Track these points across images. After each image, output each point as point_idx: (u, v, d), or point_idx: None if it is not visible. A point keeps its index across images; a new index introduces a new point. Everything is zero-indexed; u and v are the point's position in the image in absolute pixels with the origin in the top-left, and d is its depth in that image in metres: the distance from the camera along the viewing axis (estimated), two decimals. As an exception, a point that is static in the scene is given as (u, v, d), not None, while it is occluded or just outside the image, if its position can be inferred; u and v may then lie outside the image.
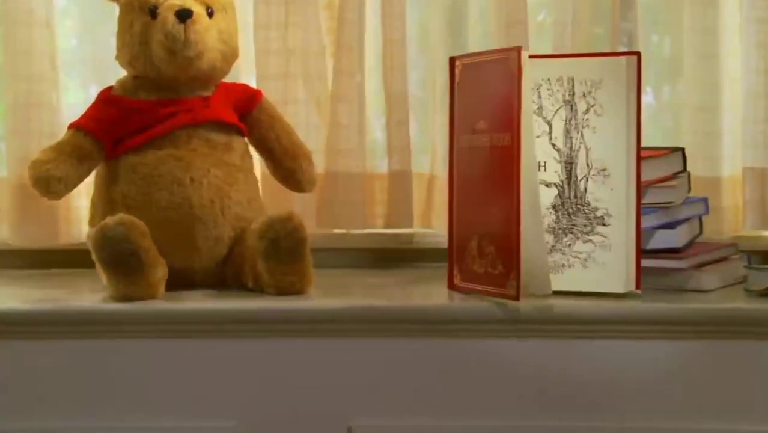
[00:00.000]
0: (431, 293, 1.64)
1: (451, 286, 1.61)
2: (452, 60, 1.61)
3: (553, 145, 1.56)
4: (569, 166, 1.56)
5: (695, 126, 1.88)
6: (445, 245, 1.63)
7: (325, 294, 1.58)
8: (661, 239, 1.61)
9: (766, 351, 1.49)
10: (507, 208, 1.48)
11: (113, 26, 1.68)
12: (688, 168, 1.70)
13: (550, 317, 1.48)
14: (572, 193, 1.55)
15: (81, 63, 1.89)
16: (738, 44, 1.87)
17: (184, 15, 1.60)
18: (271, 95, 1.77)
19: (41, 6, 1.81)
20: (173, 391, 1.49)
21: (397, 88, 1.88)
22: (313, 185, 1.75)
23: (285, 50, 1.86)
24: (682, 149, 1.70)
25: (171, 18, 1.60)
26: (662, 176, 1.64)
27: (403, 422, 1.50)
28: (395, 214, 1.89)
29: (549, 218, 1.57)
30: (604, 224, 1.54)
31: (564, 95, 1.56)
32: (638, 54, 1.53)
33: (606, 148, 1.54)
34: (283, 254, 1.55)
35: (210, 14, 1.64)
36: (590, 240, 1.55)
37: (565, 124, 1.56)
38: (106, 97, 1.67)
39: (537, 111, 1.56)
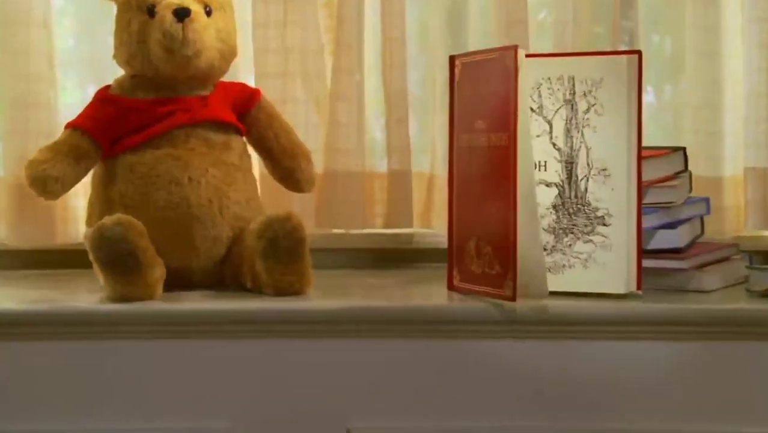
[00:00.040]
0: (431, 294, 1.64)
1: (451, 286, 1.61)
2: (452, 59, 1.61)
3: (554, 144, 1.56)
4: (570, 165, 1.55)
5: (697, 125, 1.87)
6: (445, 245, 1.63)
7: (323, 294, 1.58)
8: (662, 239, 1.60)
9: (767, 352, 1.48)
10: (504, 208, 1.47)
11: (111, 25, 1.68)
12: (690, 168, 1.70)
13: (547, 318, 1.48)
14: (573, 193, 1.55)
15: (79, 62, 1.89)
16: (740, 44, 1.87)
17: (182, 13, 1.59)
18: (269, 94, 1.76)
19: (39, 5, 1.81)
20: (171, 392, 1.49)
21: (396, 86, 1.88)
22: (312, 185, 1.75)
23: (284, 49, 1.85)
24: (684, 149, 1.70)
25: (169, 16, 1.59)
26: (663, 176, 1.63)
27: (402, 423, 1.50)
28: (395, 214, 1.89)
29: (549, 218, 1.56)
30: (604, 224, 1.54)
31: (564, 94, 1.55)
32: (639, 53, 1.53)
33: (607, 147, 1.53)
34: (282, 254, 1.54)
35: (208, 13, 1.63)
36: (591, 240, 1.54)
37: (566, 123, 1.55)
38: (103, 97, 1.67)
39: (537, 110, 1.56)
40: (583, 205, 1.55)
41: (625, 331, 1.48)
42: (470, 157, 1.56)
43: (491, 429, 1.49)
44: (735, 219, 1.88)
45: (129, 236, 1.51)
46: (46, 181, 1.60)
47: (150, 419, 1.49)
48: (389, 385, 1.49)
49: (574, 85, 1.55)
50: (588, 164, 1.54)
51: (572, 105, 1.55)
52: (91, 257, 1.55)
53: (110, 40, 1.68)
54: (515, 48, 1.48)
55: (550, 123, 1.56)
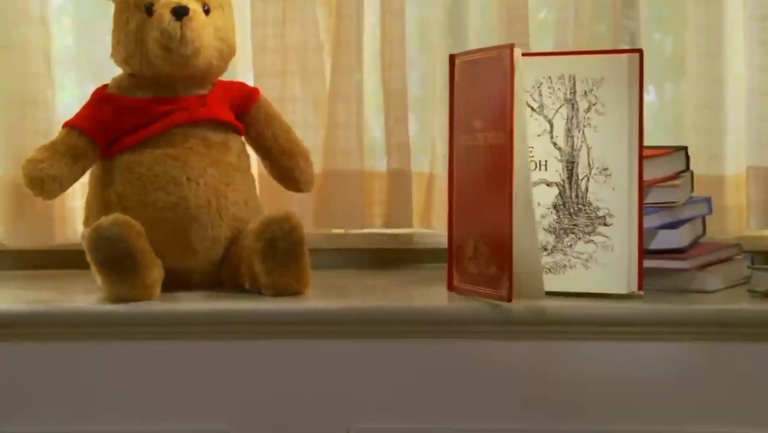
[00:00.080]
0: (430, 295, 1.64)
1: (451, 287, 1.60)
2: (452, 58, 1.60)
3: (554, 144, 1.55)
4: (570, 165, 1.55)
5: (698, 124, 1.87)
6: (445, 246, 1.63)
7: (322, 295, 1.58)
8: (664, 240, 1.60)
9: (769, 353, 1.49)
10: (500, 208, 1.47)
11: (109, 24, 1.67)
12: (691, 167, 1.69)
13: (544, 319, 1.48)
14: (573, 193, 1.55)
15: (77, 61, 1.89)
16: (741, 42, 1.86)
17: (180, 12, 1.59)
18: (268, 93, 1.76)
19: (36, 3, 1.80)
20: (169, 393, 1.48)
21: (396, 86, 1.87)
22: (311, 185, 1.74)
23: (282, 48, 1.85)
24: (685, 148, 1.69)
25: (167, 15, 1.59)
26: (665, 176, 1.63)
27: (403, 424, 1.49)
28: (394, 214, 1.89)
29: (550, 218, 1.56)
30: (605, 224, 1.53)
31: (565, 93, 1.55)
32: (640, 51, 1.52)
33: (608, 147, 1.53)
34: (281, 254, 1.54)
35: (207, 11, 1.63)
36: (592, 240, 1.54)
37: (567, 122, 1.55)
38: (100, 96, 1.66)
39: (538, 109, 1.56)
40: (584, 205, 1.54)
41: (626, 332, 1.48)
42: (469, 156, 1.56)
43: (491, 431, 1.49)
44: (737, 219, 1.88)
45: (127, 236, 1.50)
46: (43, 181, 1.59)
47: (147, 420, 1.48)
48: (389, 386, 1.49)
49: (574, 84, 1.54)
50: (589, 164, 1.54)
51: (573, 104, 1.54)
52: (88, 257, 1.55)
53: (109, 39, 1.67)
54: (511, 47, 1.47)
55: (550, 122, 1.55)
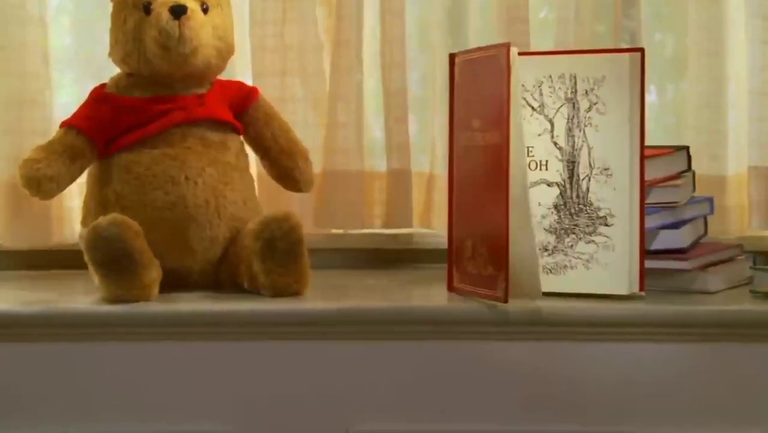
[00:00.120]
0: (430, 295, 1.63)
1: (451, 288, 1.60)
2: (452, 57, 1.60)
3: (555, 143, 1.55)
4: (571, 165, 1.54)
5: (699, 124, 1.87)
6: (445, 246, 1.62)
7: (322, 296, 1.57)
8: (665, 240, 1.59)
9: (772, 354, 1.48)
10: (497, 208, 1.46)
11: (107, 23, 1.67)
12: (693, 167, 1.69)
13: (540, 319, 1.47)
14: (574, 193, 1.54)
15: (75, 60, 1.88)
16: (743, 41, 1.86)
17: (178, 11, 1.58)
18: (267, 93, 1.75)
19: (34, 3, 1.80)
20: (167, 394, 1.48)
21: (396, 86, 1.87)
22: (310, 185, 1.74)
23: (282, 47, 1.85)
24: (687, 148, 1.69)
25: (165, 14, 1.59)
26: (666, 175, 1.63)
27: (404, 425, 1.49)
28: (394, 214, 1.88)
29: (551, 218, 1.55)
30: (606, 224, 1.53)
31: (566, 93, 1.54)
32: (642, 50, 1.52)
33: (609, 146, 1.53)
34: (280, 254, 1.53)
35: (205, 10, 1.62)
36: (593, 241, 1.53)
37: (567, 122, 1.54)
38: (98, 95, 1.66)
39: (539, 109, 1.55)
40: (585, 205, 1.54)
41: (627, 332, 1.47)
42: (468, 156, 1.55)
43: (491, 432, 1.48)
44: (739, 219, 1.88)
45: (125, 236, 1.50)
46: (40, 181, 1.59)
47: (146, 421, 1.48)
48: (389, 386, 1.48)
49: (575, 83, 1.54)
50: (590, 164, 1.53)
51: (574, 103, 1.54)
52: (86, 257, 1.54)
53: (107, 39, 1.67)
54: (507, 46, 1.47)
55: (551, 122, 1.55)
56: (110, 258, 1.50)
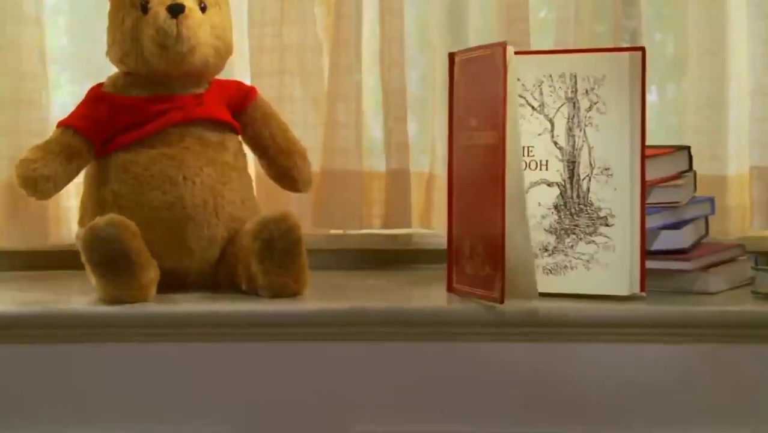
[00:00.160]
0: (429, 296, 1.63)
1: (450, 288, 1.59)
2: (451, 56, 1.59)
3: (555, 143, 1.54)
4: (572, 165, 1.54)
5: (700, 124, 1.87)
6: (444, 246, 1.62)
7: (321, 296, 1.57)
8: (666, 240, 1.59)
9: (773, 355, 1.48)
10: (493, 208, 1.46)
11: (105, 23, 1.66)
12: (694, 167, 1.69)
13: (537, 320, 1.47)
14: (575, 193, 1.54)
15: (73, 60, 1.88)
16: (744, 40, 1.86)
17: (176, 10, 1.58)
18: (266, 92, 1.75)
19: (31, 3, 1.80)
20: (166, 396, 1.48)
21: (395, 85, 1.87)
22: (309, 185, 1.73)
23: (280, 47, 1.84)
24: (688, 148, 1.69)
25: (162, 13, 1.58)
26: (667, 175, 1.62)
27: (403, 426, 1.49)
28: (393, 215, 1.88)
29: (551, 218, 1.55)
30: (607, 225, 1.52)
31: (566, 92, 1.54)
32: (642, 49, 1.51)
33: (609, 146, 1.52)
34: (278, 255, 1.53)
35: (203, 9, 1.62)
36: (593, 241, 1.53)
37: (568, 121, 1.54)
38: (95, 95, 1.65)
39: (539, 108, 1.55)
40: (586, 206, 1.53)
41: (628, 333, 1.47)
42: (466, 156, 1.55)
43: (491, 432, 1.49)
44: (740, 219, 1.87)
45: (122, 236, 1.49)
46: (37, 181, 1.58)
47: (144, 423, 1.48)
48: (389, 387, 1.48)
49: (576, 82, 1.53)
50: (590, 163, 1.53)
51: (574, 103, 1.54)
52: (83, 257, 1.54)
53: (104, 38, 1.66)
54: (503, 45, 1.46)
55: (551, 121, 1.54)
56: (107, 258, 1.49)
